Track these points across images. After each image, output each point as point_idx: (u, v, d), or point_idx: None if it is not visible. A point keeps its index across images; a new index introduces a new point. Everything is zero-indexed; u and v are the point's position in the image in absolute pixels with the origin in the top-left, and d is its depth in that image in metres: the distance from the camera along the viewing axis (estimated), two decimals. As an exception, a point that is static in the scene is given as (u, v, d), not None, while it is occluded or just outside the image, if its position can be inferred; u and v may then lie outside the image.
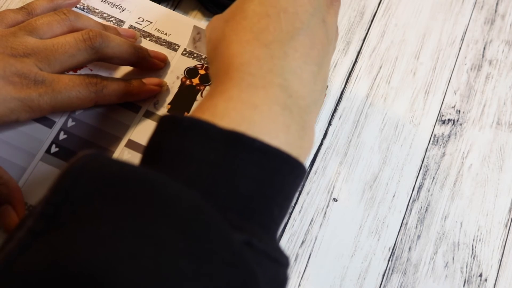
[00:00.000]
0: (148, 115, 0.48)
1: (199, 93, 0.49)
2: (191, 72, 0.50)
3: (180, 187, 0.28)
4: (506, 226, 0.48)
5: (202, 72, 0.50)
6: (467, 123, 0.52)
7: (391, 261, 0.47)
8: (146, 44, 0.50)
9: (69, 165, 0.27)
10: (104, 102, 0.46)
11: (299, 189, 0.35)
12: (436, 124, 0.52)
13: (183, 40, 0.51)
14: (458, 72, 0.54)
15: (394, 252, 0.47)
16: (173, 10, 0.55)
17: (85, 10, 0.52)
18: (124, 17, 0.52)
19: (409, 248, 0.47)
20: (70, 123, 0.47)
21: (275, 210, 0.32)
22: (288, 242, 0.47)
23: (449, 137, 0.51)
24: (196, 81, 0.49)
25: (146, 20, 0.52)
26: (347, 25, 0.56)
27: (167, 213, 0.27)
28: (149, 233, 0.26)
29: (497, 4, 0.57)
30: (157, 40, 0.51)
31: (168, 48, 0.50)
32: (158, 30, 0.51)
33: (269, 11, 0.36)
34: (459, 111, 0.52)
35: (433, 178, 0.50)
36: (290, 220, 0.47)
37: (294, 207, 0.48)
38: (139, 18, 0.52)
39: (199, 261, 0.26)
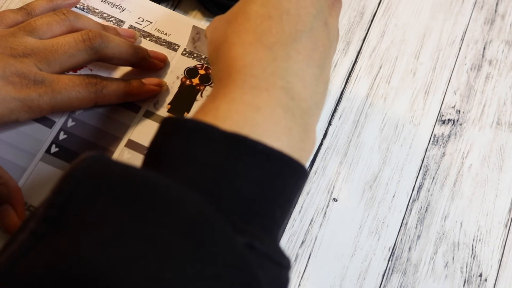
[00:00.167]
0: (148, 115, 0.48)
1: (199, 93, 0.49)
2: (191, 72, 0.50)
3: (183, 190, 0.28)
4: (506, 226, 0.48)
5: (202, 72, 0.50)
6: (467, 123, 0.52)
7: (391, 261, 0.47)
8: (146, 44, 0.50)
9: (71, 167, 0.27)
10: (104, 103, 0.46)
11: (300, 190, 0.35)
12: (436, 124, 0.52)
13: (183, 40, 0.51)
14: (458, 72, 0.54)
15: (394, 252, 0.47)
16: (173, 10, 0.55)
17: (85, 10, 0.52)
18: (124, 17, 0.52)
19: (409, 248, 0.47)
20: (70, 123, 0.47)
21: (277, 212, 0.32)
22: (288, 242, 0.47)
23: (449, 137, 0.51)
24: (196, 81, 0.49)
25: (146, 20, 0.52)
26: (347, 25, 0.56)
27: (170, 215, 0.27)
28: (152, 236, 0.26)
29: (497, 4, 0.57)
30: (157, 40, 0.51)
31: (168, 48, 0.50)
32: (158, 30, 0.51)
33: (271, 13, 0.35)
34: (459, 111, 0.52)
35: (433, 178, 0.50)
36: (290, 220, 0.47)
37: (294, 207, 0.48)
38: (139, 18, 0.52)
39: (202, 263, 0.26)
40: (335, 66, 0.54)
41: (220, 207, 0.29)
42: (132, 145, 0.46)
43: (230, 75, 0.34)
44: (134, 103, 0.48)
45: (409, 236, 0.47)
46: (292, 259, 0.46)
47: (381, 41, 0.55)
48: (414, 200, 0.49)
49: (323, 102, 0.37)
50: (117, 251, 0.24)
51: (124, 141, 0.47)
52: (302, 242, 0.47)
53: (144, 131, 0.47)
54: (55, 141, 0.46)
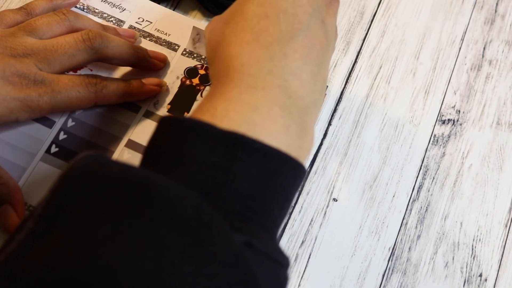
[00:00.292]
0: (148, 115, 0.48)
1: (199, 93, 0.49)
2: (191, 72, 0.50)
3: (180, 189, 0.28)
4: (506, 226, 0.48)
5: (202, 72, 0.50)
6: (467, 123, 0.52)
7: (391, 261, 0.47)
8: (146, 44, 0.50)
9: (69, 167, 0.27)
10: (104, 102, 0.46)
11: (299, 189, 0.35)
12: (436, 124, 0.52)
13: (183, 40, 0.51)
14: (458, 72, 0.54)
15: (394, 252, 0.47)
16: (173, 10, 0.55)
17: (85, 10, 0.52)
18: (124, 17, 0.52)
19: (409, 248, 0.47)
20: (70, 123, 0.47)
21: (275, 210, 0.32)
22: (288, 242, 0.47)
23: (449, 137, 0.51)
24: (196, 81, 0.49)
25: (146, 20, 0.52)
26: (347, 25, 0.56)
27: (167, 214, 0.27)
28: (150, 235, 0.26)
29: (497, 4, 0.57)
30: (157, 40, 0.51)
31: (168, 48, 0.50)
32: (158, 30, 0.51)
33: (268, 12, 0.36)
34: (459, 111, 0.52)
35: (433, 178, 0.50)
36: (290, 220, 0.47)
37: (294, 207, 0.48)
38: (139, 18, 0.52)
39: (200, 262, 0.26)
40: (335, 66, 0.54)
41: (217, 206, 0.29)
42: (132, 145, 0.46)
43: (228, 74, 0.34)
44: (134, 103, 0.48)
45: (409, 236, 0.47)
46: (292, 259, 0.46)
47: (381, 41, 0.55)
48: (414, 200, 0.49)
49: (321, 100, 0.37)
50: (115, 250, 0.24)
51: (124, 141, 0.47)
52: (302, 242, 0.47)
53: (144, 131, 0.47)
54: (55, 141, 0.46)
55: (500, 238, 0.48)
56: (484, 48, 0.55)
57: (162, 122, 0.33)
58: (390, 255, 0.47)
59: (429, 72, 0.54)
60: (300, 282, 0.46)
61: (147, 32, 0.51)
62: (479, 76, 0.54)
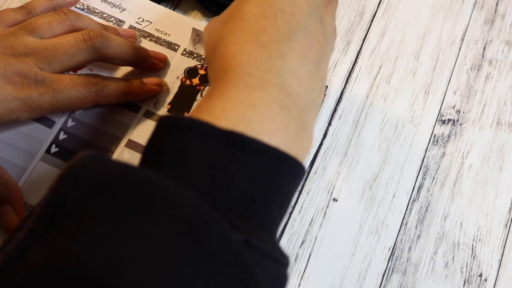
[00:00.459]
0: (148, 115, 0.48)
1: (199, 93, 0.49)
2: (191, 72, 0.50)
3: (179, 188, 0.28)
4: (506, 226, 0.48)
5: (202, 72, 0.50)
6: (467, 123, 0.52)
7: (391, 261, 0.47)
8: (146, 44, 0.50)
9: (68, 166, 0.27)
10: (104, 102, 0.46)
11: (299, 188, 0.35)
12: (436, 124, 0.52)
13: (183, 40, 0.51)
14: (458, 72, 0.54)
15: (394, 252, 0.47)
16: (173, 10, 0.55)
17: (85, 10, 0.52)
18: (124, 17, 0.52)
19: (409, 248, 0.47)
20: (70, 123, 0.47)
21: (274, 209, 0.32)
22: (288, 242, 0.47)
23: (449, 137, 0.51)
24: (196, 81, 0.49)
25: (146, 20, 0.52)
26: (347, 25, 0.56)
27: (167, 213, 0.27)
28: (149, 234, 0.26)
29: (497, 4, 0.57)
30: (157, 40, 0.51)
31: (168, 48, 0.50)
32: (158, 30, 0.51)
33: (266, 12, 0.36)
34: (459, 111, 0.52)
35: (433, 178, 0.50)
36: (290, 220, 0.47)
37: (294, 207, 0.48)
38: (139, 18, 0.52)
39: (199, 261, 0.26)
40: (335, 66, 0.54)
41: (216, 205, 0.29)
42: (132, 145, 0.46)
43: (226, 74, 0.34)
44: (134, 103, 0.48)
45: (409, 236, 0.47)
46: (292, 259, 0.46)
47: (381, 41, 0.55)
48: (414, 200, 0.49)
49: (320, 99, 0.37)
50: (114, 250, 0.24)
51: (124, 141, 0.47)
52: (302, 242, 0.47)
53: (144, 131, 0.47)
54: (55, 141, 0.46)
55: (500, 238, 0.48)
56: (484, 48, 0.55)
57: (161, 122, 0.33)
58: (390, 255, 0.47)
59: (429, 72, 0.54)
60: (300, 282, 0.46)
61: (147, 32, 0.51)
62: (479, 76, 0.54)
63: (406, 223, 0.48)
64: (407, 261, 0.47)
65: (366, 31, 0.55)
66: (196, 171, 0.30)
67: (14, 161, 0.45)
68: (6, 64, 0.41)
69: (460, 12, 0.56)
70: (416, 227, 0.48)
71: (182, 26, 0.51)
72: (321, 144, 0.50)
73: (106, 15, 0.52)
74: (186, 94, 0.49)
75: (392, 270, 0.46)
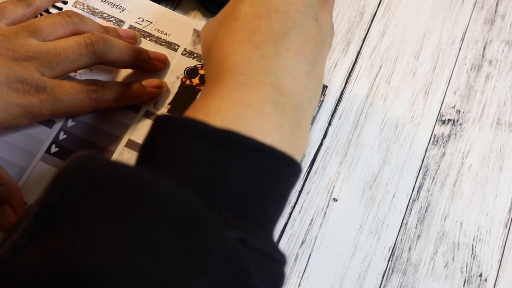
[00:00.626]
0: (148, 115, 0.48)
1: (199, 93, 0.49)
2: (191, 72, 0.50)
3: (174, 187, 0.29)
4: (506, 226, 0.48)
5: (202, 72, 0.50)
6: (467, 123, 0.52)
7: (391, 261, 0.47)
8: (146, 44, 0.50)
9: (64, 166, 0.28)
10: (104, 108, 0.46)
11: (295, 187, 0.35)
12: (436, 124, 0.52)
13: (183, 40, 0.51)
14: (458, 72, 0.54)
15: (394, 252, 0.47)
16: (173, 10, 0.55)
17: (85, 10, 0.52)
18: (124, 17, 0.52)
19: (409, 248, 0.47)
20: (70, 123, 0.47)
21: (270, 208, 0.32)
22: (288, 242, 0.47)
23: (449, 137, 0.51)
24: (196, 81, 0.49)
25: (146, 20, 0.52)
26: (347, 25, 0.56)
27: (162, 212, 0.27)
28: (145, 232, 0.26)
29: (497, 4, 0.57)
30: (157, 40, 0.51)
31: (168, 48, 0.50)
32: (158, 30, 0.51)
33: (260, 11, 0.36)
34: (459, 111, 0.52)
35: (433, 178, 0.50)
36: (290, 220, 0.47)
37: (294, 207, 0.48)
38: (139, 18, 0.52)
39: (194, 259, 0.26)
40: (335, 66, 0.54)
41: (212, 203, 0.29)
42: (132, 145, 0.46)
43: (220, 74, 0.35)
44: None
45: (409, 236, 0.47)
46: (292, 259, 0.46)
47: (381, 41, 0.55)
48: (414, 200, 0.49)
49: (317, 97, 0.37)
50: (110, 249, 0.25)
51: (124, 141, 0.47)
52: (302, 242, 0.47)
53: (144, 131, 0.46)
54: (55, 141, 0.46)
55: (500, 238, 0.48)
56: (484, 48, 0.55)
57: (157, 121, 0.33)
58: (390, 255, 0.47)
59: (429, 72, 0.54)
60: (300, 282, 0.46)
61: (147, 32, 0.51)
62: (479, 76, 0.54)
63: (406, 223, 0.48)
64: (407, 261, 0.47)
65: (366, 31, 0.55)
66: (191, 170, 0.30)
67: (14, 161, 0.45)
68: (9, 70, 0.41)
69: (460, 12, 0.56)
70: (416, 227, 0.48)
71: (182, 26, 0.51)
72: (321, 144, 0.50)
73: (106, 15, 0.52)
74: (186, 94, 0.49)
75: (392, 270, 0.46)
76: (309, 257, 0.46)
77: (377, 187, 0.49)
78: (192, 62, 0.50)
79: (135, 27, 0.51)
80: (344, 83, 0.53)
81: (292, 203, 0.48)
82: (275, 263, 0.31)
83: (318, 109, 0.51)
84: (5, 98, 0.40)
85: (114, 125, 0.47)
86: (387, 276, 0.46)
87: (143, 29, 0.51)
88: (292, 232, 0.47)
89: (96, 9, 0.52)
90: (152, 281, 0.24)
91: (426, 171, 0.50)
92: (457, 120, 0.52)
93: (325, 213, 0.48)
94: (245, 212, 0.31)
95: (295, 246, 0.47)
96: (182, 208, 0.28)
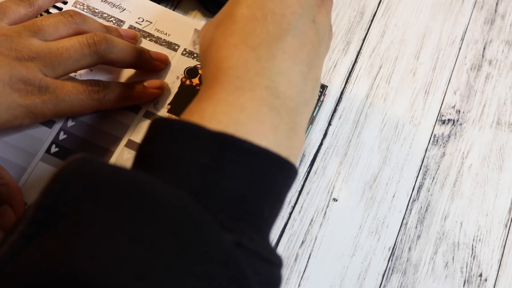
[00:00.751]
0: (148, 115, 0.48)
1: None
2: (191, 72, 0.50)
3: (170, 190, 0.29)
4: (506, 226, 0.48)
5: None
6: (467, 123, 0.52)
7: (391, 261, 0.47)
8: (146, 44, 0.50)
9: (60, 169, 0.28)
10: (106, 108, 0.46)
11: (291, 189, 0.35)
12: (436, 124, 0.52)
13: (183, 40, 0.51)
14: (458, 72, 0.54)
15: (394, 252, 0.47)
16: (173, 10, 0.55)
17: (85, 10, 0.52)
18: (124, 17, 0.52)
19: (409, 248, 0.47)
20: (70, 123, 0.47)
21: (266, 210, 0.32)
22: (288, 242, 0.47)
23: (449, 137, 0.51)
24: (196, 81, 0.49)
25: (146, 20, 0.52)
26: (347, 25, 0.56)
27: (158, 215, 0.27)
28: (141, 235, 0.26)
29: (497, 4, 0.57)
30: (157, 40, 0.51)
31: (168, 48, 0.50)
32: (158, 30, 0.51)
33: (256, 14, 0.36)
34: (459, 111, 0.52)
35: (433, 178, 0.50)
36: (290, 220, 0.47)
37: (294, 207, 0.48)
38: (139, 18, 0.52)
39: (190, 262, 0.26)
40: (335, 66, 0.54)
41: (208, 206, 0.29)
42: (132, 145, 0.46)
43: (216, 77, 0.35)
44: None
45: (409, 236, 0.47)
46: (292, 259, 0.46)
47: (381, 41, 0.55)
48: (414, 200, 0.49)
49: (313, 99, 0.37)
50: (106, 251, 0.25)
51: (124, 141, 0.47)
52: (302, 242, 0.47)
53: (144, 132, 0.47)
54: (55, 141, 0.46)
55: (500, 238, 0.48)
56: (484, 48, 0.55)
57: (153, 124, 0.33)
58: (390, 255, 0.47)
59: (429, 72, 0.54)
60: (300, 282, 0.46)
61: (147, 32, 0.51)
62: (479, 76, 0.54)
63: (406, 223, 0.48)
64: (407, 261, 0.47)
65: (366, 31, 0.55)
66: (187, 172, 0.30)
67: (14, 161, 0.45)
68: (12, 70, 0.41)
69: (460, 12, 0.56)
70: (416, 227, 0.48)
71: (182, 26, 0.51)
72: (321, 144, 0.50)
73: (106, 15, 0.52)
74: (186, 94, 0.49)
75: (392, 270, 0.46)
76: (309, 257, 0.46)
77: (377, 187, 0.49)
78: (192, 62, 0.50)
79: (135, 27, 0.51)
80: (344, 83, 0.53)
81: (292, 203, 0.48)
82: (272, 265, 0.31)
83: (318, 109, 0.51)
84: (8, 99, 0.40)
85: (114, 125, 0.47)
86: (387, 276, 0.46)
87: (143, 29, 0.51)
88: (292, 232, 0.47)
89: (96, 9, 0.52)
90: (147, 284, 0.24)
91: (426, 171, 0.50)
92: (457, 120, 0.52)
93: (325, 213, 0.48)
94: (241, 214, 0.31)
95: (295, 246, 0.47)
96: (178, 211, 0.28)
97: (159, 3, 0.53)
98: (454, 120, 0.52)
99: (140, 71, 0.49)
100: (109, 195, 0.27)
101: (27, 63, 0.42)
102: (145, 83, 0.47)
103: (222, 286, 0.27)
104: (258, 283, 0.29)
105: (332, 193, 0.48)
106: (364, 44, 0.55)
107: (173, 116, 0.47)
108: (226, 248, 0.28)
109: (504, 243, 0.47)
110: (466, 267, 0.47)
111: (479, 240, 0.47)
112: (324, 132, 0.51)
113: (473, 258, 0.47)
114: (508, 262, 0.47)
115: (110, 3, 0.52)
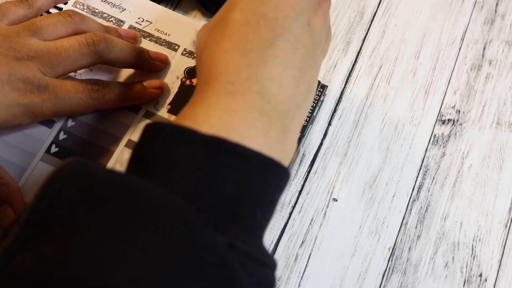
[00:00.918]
0: (148, 115, 0.48)
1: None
2: (191, 72, 0.50)
3: (163, 193, 0.29)
4: (506, 226, 0.48)
5: (202, 72, 0.50)
6: (467, 123, 0.52)
7: (391, 261, 0.47)
8: (146, 44, 0.50)
9: (54, 172, 0.28)
10: (106, 107, 0.46)
11: (284, 192, 0.35)
12: (436, 124, 0.52)
13: (183, 40, 0.51)
14: (458, 72, 0.54)
15: (394, 252, 0.47)
16: (173, 10, 0.55)
17: (85, 10, 0.52)
18: (124, 17, 0.52)
19: (409, 248, 0.47)
20: (70, 123, 0.47)
21: (259, 213, 0.32)
22: (288, 242, 0.47)
23: (449, 137, 0.51)
24: (196, 81, 0.49)
25: (146, 20, 0.52)
26: (347, 25, 0.56)
27: (151, 218, 0.27)
28: (135, 238, 0.26)
29: (497, 4, 0.57)
30: (157, 40, 0.51)
31: (168, 48, 0.50)
32: (158, 30, 0.51)
33: (249, 18, 0.36)
34: (459, 111, 0.52)
35: (433, 178, 0.50)
36: (290, 220, 0.47)
37: (294, 207, 0.48)
38: (139, 18, 0.52)
39: (183, 264, 0.26)
40: (335, 66, 0.54)
41: (201, 209, 0.30)
42: (132, 145, 0.46)
43: (208, 82, 0.35)
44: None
45: (409, 236, 0.47)
46: (292, 259, 0.46)
47: (381, 41, 0.55)
48: (414, 200, 0.49)
49: (307, 103, 0.37)
50: (100, 254, 0.25)
51: (124, 141, 0.47)
52: (302, 242, 0.47)
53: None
54: (55, 141, 0.46)
55: (500, 238, 0.48)
56: (484, 48, 0.55)
57: (146, 129, 0.33)
58: (390, 255, 0.47)
59: (429, 72, 0.54)
60: (300, 282, 0.46)
61: (147, 32, 0.51)
62: (479, 76, 0.54)
63: (406, 223, 0.48)
64: (407, 261, 0.47)
65: (366, 31, 0.55)
66: (180, 176, 0.31)
67: (14, 161, 0.45)
68: (11, 69, 0.41)
69: (460, 12, 0.56)
70: (416, 227, 0.48)
71: (182, 26, 0.51)
72: (321, 144, 0.50)
73: (106, 15, 0.52)
74: (186, 94, 0.49)
75: (392, 270, 0.46)
76: (309, 257, 0.46)
77: (377, 187, 0.49)
78: (192, 62, 0.50)
79: (135, 27, 0.51)
80: (344, 83, 0.53)
81: (292, 203, 0.48)
82: (265, 268, 0.31)
83: (318, 109, 0.51)
84: (6, 97, 0.40)
85: (114, 125, 0.47)
86: (387, 276, 0.46)
87: (143, 29, 0.51)
88: (292, 232, 0.47)
89: (96, 9, 0.52)
90: (143, 286, 0.24)
91: (426, 171, 0.50)
92: (457, 120, 0.52)
93: (325, 213, 0.48)
94: (234, 217, 0.31)
95: (295, 246, 0.47)
96: (171, 214, 0.28)
97: (159, 3, 0.53)
98: (454, 120, 0.52)
99: (140, 71, 0.49)
100: (104, 198, 0.27)
101: (26, 62, 0.42)
102: (144, 83, 0.47)
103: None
104: (251, 285, 0.29)
105: (332, 193, 0.48)
106: (364, 44, 0.55)
107: (173, 116, 0.48)
108: (219, 250, 0.28)
109: (504, 243, 0.47)
110: (466, 267, 0.47)
111: (479, 240, 0.47)
112: (324, 132, 0.51)
113: (473, 258, 0.47)
114: (508, 262, 0.47)
115: (110, 3, 0.52)
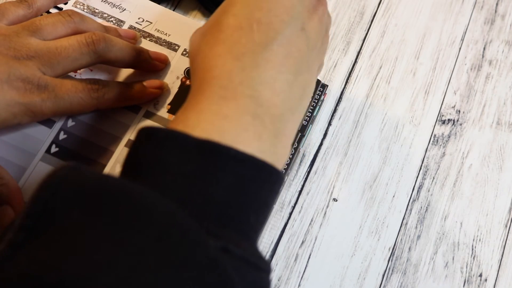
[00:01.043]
0: (148, 115, 0.48)
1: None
2: (191, 72, 0.50)
3: (156, 197, 0.29)
4: (506, 226, 0.48)
5: (202, 72, 0.50)
6: (467, 123, 0.52)
7: (391, 261, 0.47)
8: (146, 44, 0.50)
9: (47, 177, 0.28)
10: (105, 107, 0.46)
11: (277, 195, 0.35)
12: (436, 124, 0.52)
13: (183, 40, 0.51)
14: (458, 72, 0.54)
15: (394, 252, 0.47)
16: (173, 10, 0.55)
17: (85, 10, 0.52)
18: (124, 17, 0.52)
19: (409, 248, 0.47)
20: (70, 123, 0.47)
21: (252, 217, 0.32)
22: (288, 242, 0.47)
23: (449, 137, 0.51)
24: (196, 81, 0.49)
25: (146, 20, 0.52)
26: (347, 25, 0.56)
27: (144, 222, 0.27)
28: (126, 242, 0.26)
29: (497, 4, 0.57)
30: (157, 41, 0.51)
31: (168, 48, 0.50)
32: (158, 30, 0.51)
33: (242, 23, 0.36)
34: (459, 111, 0.52)
35: (433, 178, 0.50)
36: (290, 220, 0.47)
37: (294, 207, 0.48)
38: (139, 18, 0.52)
39: (176, 268, 0.26)
40: (335, 66, 0.54)
41: (194, 213, 0.30)
42: (132, 145, 0.46)
43: (201, 86, 0.35)
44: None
45: (409, 236, 0.47)
46: (292, 259, 0.46)
47: (381, 41, 0.55)
48: (414, 200, 0.49)
49: (302, 106, 0.37)
50: (91, 259, 0.25)
51: (124, 141, 0.47)
52: (302, 242, 0.47)
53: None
54: (55, 141, 0.46)
55: (500, 238, 0.48)
56: (484, 48, 0.55)
57: (139, 133, 0.33)
58: (390, 255, 0.47)
59: (429, 72, 0.54)
60: (300, 282, 0.46)
61: (147, 32, 0.51)
62: (479, 76, 0.54)
63: (406, 223, 0.48)
64: (407, 261, 0.47)
65: (366, 31, 0.55)
66: (173, 180, 0.31)
67: (14, 161, 0.45)
68: (10, 68, 0.41)
69: (460, 12, 0.56)
70: (416, 227, 0.48)
71: (182, 26, 0.51)
72: (321, 144, 0.50)
73: (106, 15, 0.52)
74: (186, 94, 0.48)
75: (392, 270, 0.46)
76: (309, 257, 0.46)
77: (377, 187, 0.49)
78: (192, 62, 0.50)
79: (135, 27, 0.51)
80: (344, 83, 0.53)
81: (292, 203, 0.48)
82: (259, 271, 0.31)
83: (318, 109, 0.51)
84: (6, 97, 0.40)
85: (114, 125, 0.47)
86: (387, 276, 0.46)
87: (143, 29, 0.51)
88: (292, 232, 0.47)
89: (96, 9, 0.52)
90: None
91: (426, 171, 0.50)
92: (457, 120, 0.52)
93: (325, 213, 0.48)
94: (227, 221, 0.31)
95: (295, 246, 0.47)
96: (163, 217, 0.28)
97: (159, 3, 0.53)
98: (454, 120, 0.52)
99: (140, 71, 0.49)
100: (98, 202, 0.27)
101: (25, 61, 0.42)
102: (144, 83, 0.47)
103: None
104: None
105: (332, 193, 0.48)
106: (364, 44, 0.55)
107: (173, 116, 0.48)
108: (212, 254, 0.28)
109: (504, 243, 0.47)
110: (466, 267, 0.47)
111: (479, 240, 0.47)
112: (324, 132, 0.51)
113: (473, 258, 0.47)
114: (508, 262, 0.47)
115: (110, 3, 0.52)
